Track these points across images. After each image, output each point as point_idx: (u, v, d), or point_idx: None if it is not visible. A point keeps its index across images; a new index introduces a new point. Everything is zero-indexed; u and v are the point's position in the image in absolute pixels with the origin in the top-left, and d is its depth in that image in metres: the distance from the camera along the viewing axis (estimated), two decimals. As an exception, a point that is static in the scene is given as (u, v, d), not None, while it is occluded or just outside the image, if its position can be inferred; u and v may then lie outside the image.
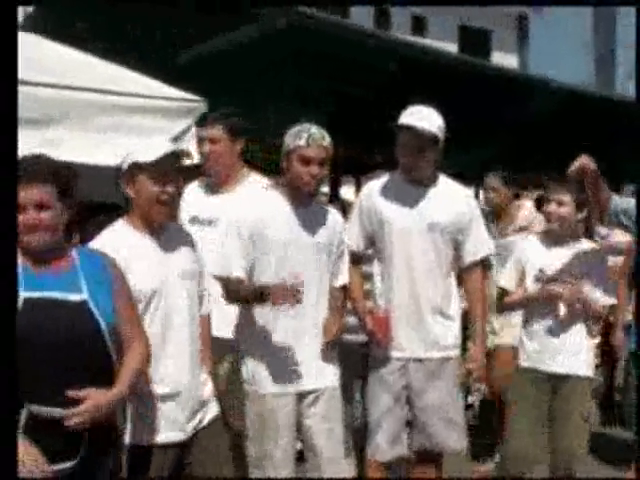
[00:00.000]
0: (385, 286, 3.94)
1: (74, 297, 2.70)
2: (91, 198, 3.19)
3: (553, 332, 4.20)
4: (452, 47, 22.26)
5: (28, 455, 2.50)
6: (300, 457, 3.80)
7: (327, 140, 3.60)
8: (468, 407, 6.06)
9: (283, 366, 3.62)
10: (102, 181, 3.36)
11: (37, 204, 2.67)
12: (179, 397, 3.17)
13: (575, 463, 4.16)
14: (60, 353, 2.62)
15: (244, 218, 3.61)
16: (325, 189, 11.23)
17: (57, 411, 2.59)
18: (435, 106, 3.85)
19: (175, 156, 3.18)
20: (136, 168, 3.09)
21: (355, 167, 9.24)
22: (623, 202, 4.04)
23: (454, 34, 26.45)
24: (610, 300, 4.28)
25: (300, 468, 3.77)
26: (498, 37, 28.20)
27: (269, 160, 5.96)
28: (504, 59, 24.09)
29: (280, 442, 3.60)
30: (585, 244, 4.34)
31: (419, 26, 25.81)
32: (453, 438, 3.93)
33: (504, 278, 4.39)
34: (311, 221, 3.69)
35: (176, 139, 4.31)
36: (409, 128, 3.76)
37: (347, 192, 10.17)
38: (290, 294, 3.34)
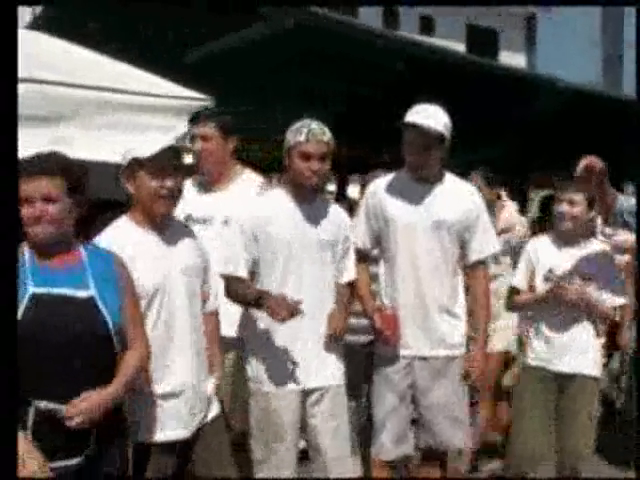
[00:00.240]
0: (390, 284, 3.93)
1: (82, 293, 2.72)
2: (99, 195, 3.20)
3: (560, 331, 4.21)
4: (460, 47, 22.24)
5: (29, 455, 2.52)
6: (304, 457, 3.80)
7: (327, 135, 3.61)
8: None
9: (287, 364, 3.63)
10: (111, 179, 3.37)
11: (45, 197, 2.69)
12: (183, 394, 3.17)
13: (581, 462, 4.17)
14: (67, 349, 2.64)
15: (247, 216, 3.62)
16: (332, 188, 11.26)
17: (59, 408, 2.62)
18: (443, 105, 3.85)
19: (173, 151, 3.18)
20: (135, 164, 3.11)
21: (362, 166, 9.24)
22: (629, 202, 4.04)
23: (462, 34, 26.45)
24: (619, 300, 4.28)
25: (304, 468, 3.77)
26: (506, 37, 28.19)
27: (267, 159, 5.98)
28: (512, 59, 24.09)
29: (284, 441, 3.59)
30: (595, 244, 4.35)
31: (427, 26, 25.80)
32: (458, 437, 3.93)
33: (515, 277, 4.40)
34: (315, 217, 3.69)
35: (184, 137, 4.32)
36: (415, 126, 3.75)
37: (354, 191, 10.17)
38: (287, 309, 3.35)
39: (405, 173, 3.96)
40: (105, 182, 3.45)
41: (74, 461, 2.66)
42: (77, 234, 2.87)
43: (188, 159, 3.36)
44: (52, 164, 2.74)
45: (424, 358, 3.88)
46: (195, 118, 4.08)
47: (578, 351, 4.19)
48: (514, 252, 5.16)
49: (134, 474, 2.96)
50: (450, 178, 3.98)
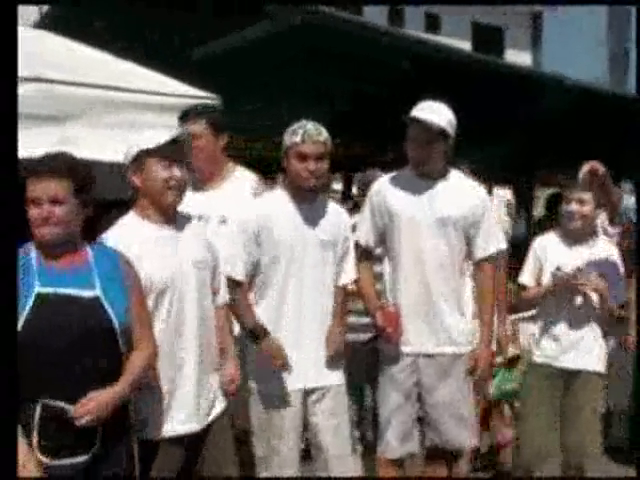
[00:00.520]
0: (396, 282, 3.93)
1: (87, 293, 2.73)
2: (104, 195, 3.20)
3: (567, 329, 4.23)
4: (465, 45, 22.19)
5: (28, 460, 2.54)
6: (306, 456, 3.80)
7: (324, 135, 3.61)
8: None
9: (289, 363, 3.64)
10: (117, 178, 3.37)
11: (52, 198, 2.70)
12: (191, 388, 3.17)
13: (586, 460, 4.18)
14: (72, 349, 2.65)
15: (249, 218, 3.63)
16: (338, 187, 11.27)
17: (66, 407, 2.62)
18: (448, 104, 3.85)
19: (179, 142, 3.19)
20: (143, 155, 3.11)
21: (368, 164, 9.26)
22: (632, 200, 4.05)
23: (467, 32, 26.37)
24: (622, 299, 4.30)
25: (306, 468, 3.77)
26: (512, 35, 28.10)
27: (269, 159, 5.97)
28: (517, 57, 24.03)
29: (286, 439, 3.61)
30: (601, 242, 4.36)
31: (432, 24, 25.73)
32: (464, 435, 3.93)
33: (523, 274, 4.40)
34: (316, 218, 3.70)
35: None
36: (418, 121, 3.77)
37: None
38: (277, 358, 3.51)
39: (409, 170, 3.96)
40: (111, 182, 3.45)
41: (80, 459, 2.67)
42: (85, 234, 2.88)
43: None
44: (59, 165, 2.74)
45: (430, 355, 3.88)
46: (185, 115, 4.03)
47: (584, 348, 4.21)
48: None
49: (142, 471, 2.96)
50: (455, 174, 3.98)
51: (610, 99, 8.77)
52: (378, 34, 6.75)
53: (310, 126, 3.60)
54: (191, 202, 4.00)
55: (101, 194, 2.99)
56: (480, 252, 3.95)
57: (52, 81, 3.92)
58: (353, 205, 5.77)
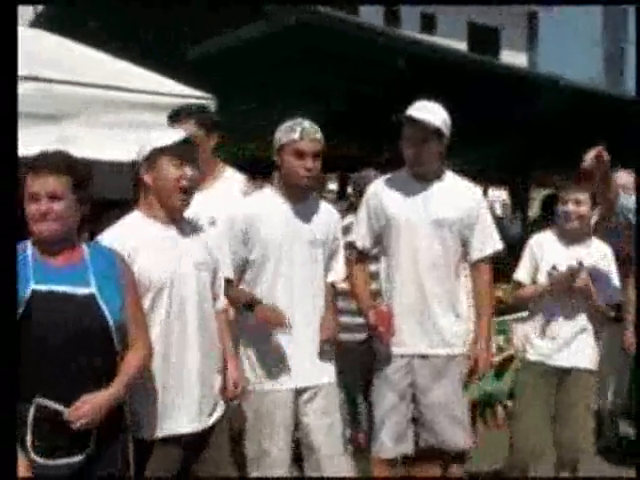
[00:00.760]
0: (391, 282, 3.94)
1: (82, 291, 2.73)
2: (103, 195, 3.20)
3: (561, 327, 4.26)
4: (461, 45, 22.20)
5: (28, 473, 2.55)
6: (299, 458, 3.79)
7: (320, 134, 3.62)
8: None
9: (280, 363, 3.64)
10: (115, 177, 3.38)
11: (50, 194, 2.71)
12: (190, 388, 3.16)
13: (580, 455, 4.24)
14: (67, 347, 2.65)
15: (238, 216, 3.63)
16: (333, 186, 11.27)
17: (60, 409, 2.63)
18: (444, 104, 3.86)
19: (192, 143, 3.23)
20: (156, 154, 3.12)
21: (363, 164, 9.26)
22: (631, 200, 4.06)
23: (463, 32, 26.40)
24: (616, 299, 4.34)
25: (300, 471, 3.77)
26: (507, 35, 28.14)
27: (264, 159, 5.96)
28: (513, 57, 24.07)
29: (277, 439, 3.60)
30: (596, 243, 4.38)
31: (428, 24, 25.75)
32: (459, 436, 3.93)
33: (519, 272, 4.42)
34: (307, 216, 3.71)
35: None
36: (413, 120, 3.78)
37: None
38: (276, 320, 3.46)
39: (405, 172, 3.97)
40: (110, 180, 3.45)
41: (75, 459, 2.67)
42: (89, 233, 2.89)
43: None
44: (58, 162, 2.76)
45: (424, 357, 3.89)
46: (175, 115, 4.00)
47: (577, 346, 4.25)
48: None
49: (139, 472, 2.97)
50: (450, 175, 3.99)
51: (606, 100, 8.77)
52: (374, 34, 6.73)
53: (307, 124, 3.61)
54: None
55: (100, 193, 2.99)
56: (476, 253, 3.96)
57: (50, 80, 3.92)
58: (348, 205, 5.77)
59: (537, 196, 11.26)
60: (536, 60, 29.17)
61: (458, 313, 3.96)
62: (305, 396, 3.68)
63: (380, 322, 3.81)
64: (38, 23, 8.28)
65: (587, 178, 3.88)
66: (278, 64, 6.32)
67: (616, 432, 5.58)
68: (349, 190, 10.15)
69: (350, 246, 4.01)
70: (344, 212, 4.64)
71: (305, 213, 3.70)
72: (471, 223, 3.92)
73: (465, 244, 3.95)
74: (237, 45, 6.40)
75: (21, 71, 3.16)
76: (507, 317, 6.27)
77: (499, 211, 15.90)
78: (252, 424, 3.64)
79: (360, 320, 4.15)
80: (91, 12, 7.69)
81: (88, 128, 3.99)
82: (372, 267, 4.15)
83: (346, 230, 4.11)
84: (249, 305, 3.55)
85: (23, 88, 3.55)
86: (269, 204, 3.68)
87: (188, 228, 3.27)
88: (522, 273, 4.39)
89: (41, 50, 4.33)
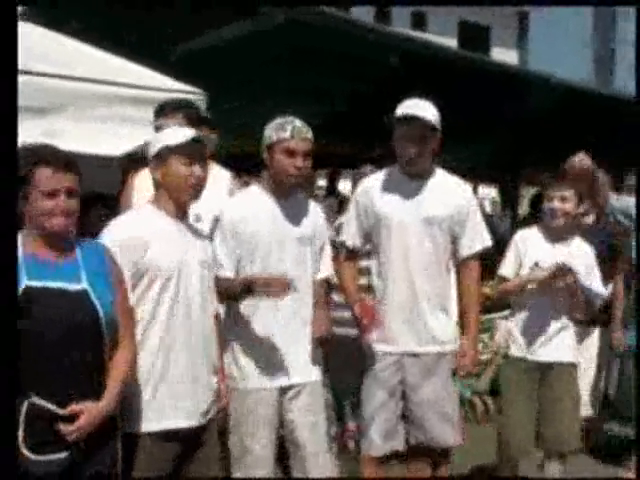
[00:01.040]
0: (382, 280, 3.93)
1: (74, 287, 2.73)
2: (92, 189, 3.20)
3: (541, 322, 4.30)
4: (452, 43, 22.23)
5: None
6: (283, 457, 3.78)
7: (310, 133, 3.61)
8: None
9: (265, 361, 3.62)
10: (102, 172, 3.37)
11: (69, 190, 2.73)
12: (188, 383, 3.15)
13: (566, 448, 4.28)
14: (61, 342, 2.65)
15: (226, 215, 3.62)
16: (322, 183, 11.26)
17: (53, 409, 2.62)
18: (434, 101, 3.85)
19: (202, 142, 3.24)
20: (166, 152, 3.14)
21: (354, 161, 9.26)
22: (621, 201, 4.07)
23: (454, 30, 26.42)
24: (601, 295, 4.36)
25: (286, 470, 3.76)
26: (498, 33, 28.20)
27: (249, 154, 5.94)
28: (503, 56, 24.06)
29: (259, 437, 3.57)
30: (578, 241, 4.42)
31: (419, 22, 25.77)
32: (449, 433, 3.94)
33: (504, 266, 4.44)
34: (294, 214, 3.70)
35: None
36: (413, 119, 3.75)
37: (345, 186, 10.18)
38: (281, 285, 3.39)
39: (396, 169, 3.96)
40: (99, 175, 3.45)
41: (65, 455, 2.66)
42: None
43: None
44: (70, 158, 2.78)
45: (414, 354, 3.89)
46: (161, 110, 3.98)
47: (557, 341, 4.29)
48: None
49: (131, 468, 2.96)
50: (440, 173, 3.98)
51: (597, 98, 8.79)
52: (364, 31, 6.72)
53: (298, 122, 3.59)
54: None
55: (89, 187, 2.99)
56: (466, 250, 3.97)
57: (38, 74, 3.91)
58: (339, 202, 5.77)
59: (526, 194, 11.28)
60: (526, 60, 29.23)
61: (448, 311, 3.96)
62: (290, 393, 3.66)
63: (364, 314, 3.79)
64: (24, 18, 8.22)
65: (573, 179, 3.91)
66: (267, 62, 6.31)
67: (606, 431, 5.59)
68: (339, 187, 10.17)
69: (340, 245, 4.01)
70: (334, 209, 4.63)
71: (293, 211, 3.70)
72: (461, 220, 3.92)
73: (454, 241, 3.95)
74: (226, 43, 6.39)
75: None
76: (494, 315, 6.30)
77: (488, 209, 15.91)
78: (236, 421, 3.60)
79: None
80: (75, 13, 7.64)
81: (75, 122, 3.98)
82: (363, 263, 4.15)
83: (337, 230, 4.11)
84: (247, 288, 3.47)
85: None
86: (257, 202, 3.66)
87: (192, 226, 3.33)
88: (506, 268, 4.41)
89: (33, 44, 4.30)
